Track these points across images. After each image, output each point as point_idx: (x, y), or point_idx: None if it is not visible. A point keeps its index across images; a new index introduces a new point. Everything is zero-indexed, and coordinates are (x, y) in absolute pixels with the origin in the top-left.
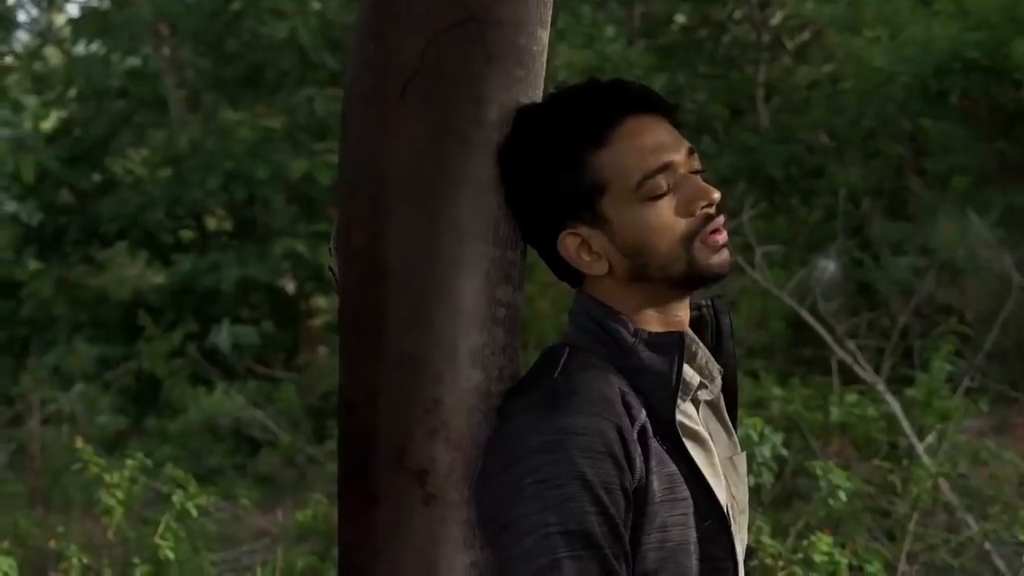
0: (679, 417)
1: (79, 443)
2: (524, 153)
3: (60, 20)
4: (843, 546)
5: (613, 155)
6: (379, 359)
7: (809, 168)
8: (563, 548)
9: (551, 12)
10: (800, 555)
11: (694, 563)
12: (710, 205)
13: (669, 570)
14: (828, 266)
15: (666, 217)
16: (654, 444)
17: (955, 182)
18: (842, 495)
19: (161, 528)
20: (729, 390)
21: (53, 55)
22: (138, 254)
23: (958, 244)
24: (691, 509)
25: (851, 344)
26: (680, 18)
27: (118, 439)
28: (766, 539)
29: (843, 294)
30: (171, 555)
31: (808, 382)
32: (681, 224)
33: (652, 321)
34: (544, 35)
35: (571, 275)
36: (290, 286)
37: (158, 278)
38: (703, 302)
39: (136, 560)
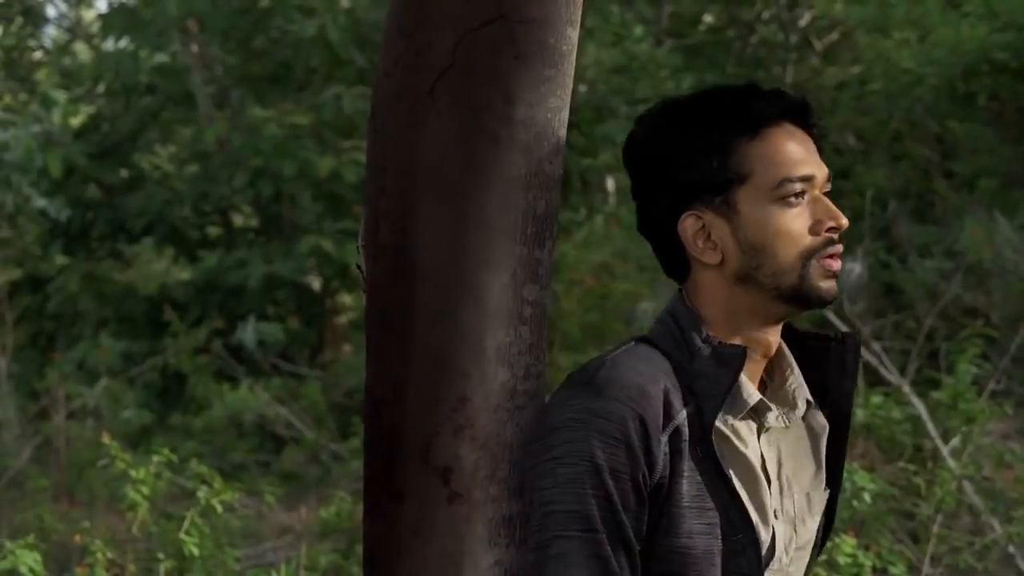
0: (724, 430)
1: (106, 438)
2: (672, 131)
3: (89, 16)
4: (867, 548)
5: (764, 148)
6: (406, 355)
7: (836, 169)
8: (559, 527)
9: (580, 11)
10: (824, 557)
11: (717, 574)
12: (836, 230)
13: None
14: (854, 268)
15: (794, 226)
16: (688, 449)
17: (982, 184)
18: (866, 497)
19: (186, 524)
20: (838, 429)
21: (82, 51)
22: (164, 250)
23: (985, 247)
24: (718, 520)
25: (877, 346)
26: (708, 18)
27: (142, 434)
28: None
29: (869, 296)
30: (195, 551)
31: None
32: (806, 239)
33: (732, 330)
34: (573, 34)
35: (678, 267)
36: (316, 283)
37: (184, 274)
38: (835, 334)
39: (160, 555)
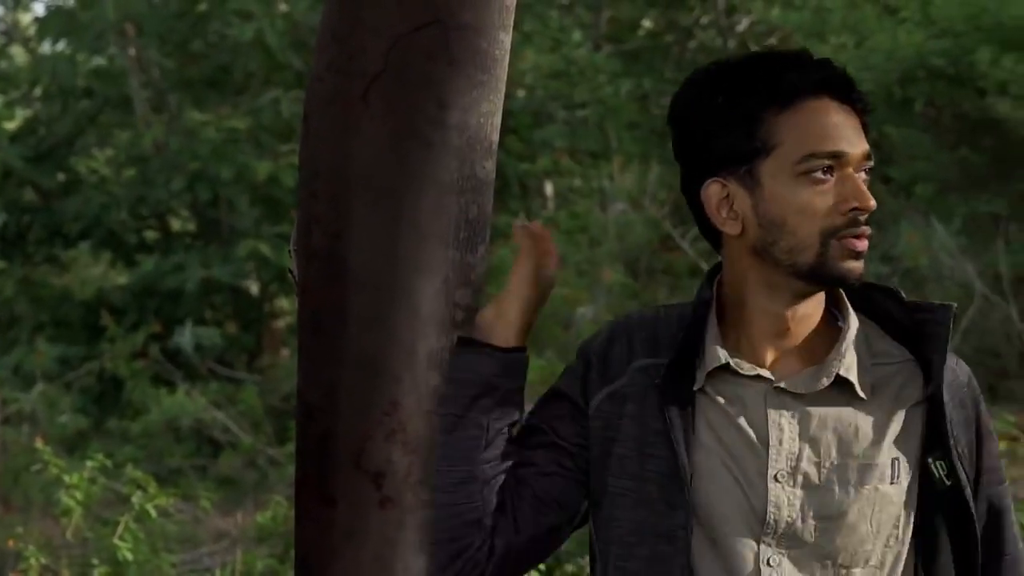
0: (709, 389)
1: (39, 443)
2: (707, 95)
3: (26, 19)
4: None
5: (793, 120)
6: (338, 360)
7: None
8: None
9: (513, 16)
10: None
11: (663, 520)
12: (863, 211)
13: (617, 515)
14: None
15: (816, 204)
16: (653, 397)
17: (919, 190)
18: None
19: (120, 529)
20: (934, 402)
21: (19, 54)
22: (101, 254)
23: (921, 252)
24: (665, 469)
25: None
26: (647, 23)
27: (79, 439)
28: None
29: None
30: (130, 556)
31: None
32: (827, 218)
33: (749, 301)
34: (506, 39)
35: (711, 233)
36: (254, 288)
37: (121, 278)
38: (935, 304)
39: (95, 561)
